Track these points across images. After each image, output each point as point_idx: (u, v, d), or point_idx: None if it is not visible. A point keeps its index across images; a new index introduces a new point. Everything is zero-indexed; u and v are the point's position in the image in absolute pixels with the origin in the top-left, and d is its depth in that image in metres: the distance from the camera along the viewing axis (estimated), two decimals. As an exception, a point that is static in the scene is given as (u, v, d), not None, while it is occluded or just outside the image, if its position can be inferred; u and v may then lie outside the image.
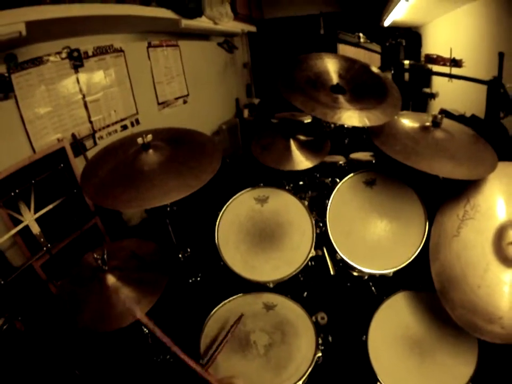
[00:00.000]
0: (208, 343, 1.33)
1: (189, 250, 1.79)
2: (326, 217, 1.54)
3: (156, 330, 0.91)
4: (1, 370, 1.60)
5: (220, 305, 1.46)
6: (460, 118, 2.65)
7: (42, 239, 1.94)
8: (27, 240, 1.98)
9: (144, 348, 1.57)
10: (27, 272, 1.93)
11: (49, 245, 1.97)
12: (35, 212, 1.89)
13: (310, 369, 1.25)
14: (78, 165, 2.37)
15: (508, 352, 1.28)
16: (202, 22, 3.15)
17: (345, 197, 1.59)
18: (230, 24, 3.53)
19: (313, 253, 1.52)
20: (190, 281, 1.82)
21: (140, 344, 1.56)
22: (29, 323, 1.80)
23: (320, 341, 1.33)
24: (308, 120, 2.43)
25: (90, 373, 1.67)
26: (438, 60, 2.99)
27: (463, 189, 1.36)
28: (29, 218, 1.87)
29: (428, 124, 1.45)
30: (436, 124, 1.43)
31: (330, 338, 1.53)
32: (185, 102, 3.63)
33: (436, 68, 3.15)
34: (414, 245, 1.45)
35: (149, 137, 1.30)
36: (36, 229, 1.91)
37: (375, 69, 1.63)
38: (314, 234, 1.56)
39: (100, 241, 2.44)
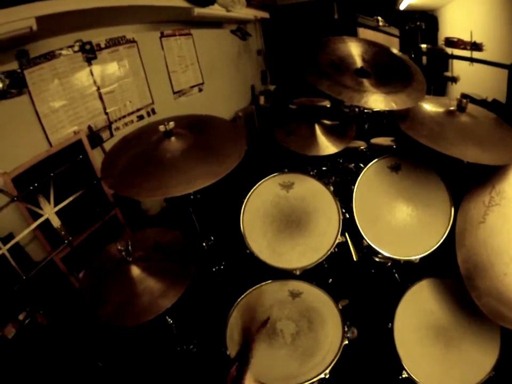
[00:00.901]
0: (234, 333, 1.32)
1: (212, 238, 1.78)
2: (352, 202, 1.52)
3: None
4: (24, 363, 1.62)
5: (246, 293, 1.45)
6: (482, 103, 2.59)
7: (63, 232, 1.95)
8: (47, 233, 1.99)
9: (168, 337, 1.57)
10: (48, 265, 1.94)
11: (70, 238, 1.98)
12: (55, 205, 1.90)
13: (337, 358, 1.24)
14: (96, 156, 2.38)
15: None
16: (214, 10, 3.12)
17: (370, 182, 1.56)
18: (242, 11, 3.48)
19: (340, 238, 1.50)
20: (214, 269, 1.81)
21: (163, 334, 1.56)
22: (51, 316, 1.82)
23: (346, 329, 1.31)
24: (326, 105, 2.39)
25: (113, 364, 1.69)
26: (459, 44, 2.92)
27: (488, 175, 1.33)
28: (49, 211, 1.88)
29: (452, 108, 1.41)
30: (461, 108, 1.39)
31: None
32: (200, 90, 3.62)
33: (456, 52, 3.07)
34: (439, 232, 1.43)
35: (171, 124, 1.28)
36: (56, 222, 1.92)
37: (398, 52, 1.59)
38: (341, 220, 1.54)
39: (120, 231, 2.46)
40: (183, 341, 1.61)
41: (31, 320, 1.75)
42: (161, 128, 1.27)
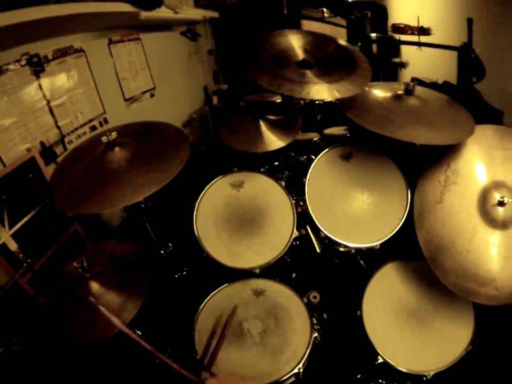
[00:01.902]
0: (202, 337, 1.29)
1: (170, 245, 1.75)
2: (305, 195, 1.51)
3: (138, 339, 0.87)
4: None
5: (209, 297, 1.43)
6: (432, 85, 2.66)
7: (21, 255, 1.87)
8: (8, 257, 1.91)
9: (139, 350, 1.54)
10: (14, 290, 1.87)
11: (29, 260, 1.90)
12: (10, 228, 1.81)
13: (307, 351, 1.23)
14: (50, 172, 2.29)
15: (504, 312, 1.28)
16: (162, 12, 3.07)
17: (322, 173, 1.57)
18: (190, 12, 3.44)
19: (296, 233, 1.50)
20: (176, 276, 1.78)
21: (134, 346, 1.53)
22: (25, 342, 1.75)
23: (314, 321, 1.31)
24: (278, 100, 2.39)
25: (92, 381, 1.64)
26: (406, 29, 2.98)
27: (442, 155, 1.35)
28: (4, 235, 1.79)
29: (400, 92, 1.43)
30: (408, 91, 1.42)
31: (325, 316, 1.53)
32: (152, 95, 3.54)
33: (404, 38, 3.14)
34: (398, 215, 1.45)
35: (113, 134, 1.25)
36: (13, 245, 1.84)
37: (341, 42, 1.60)
38: (295, 214, 1.53)
39: (83, 247, 2.38)
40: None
41: (5, 349, 1.68)
42: (104, 139, 1.23)
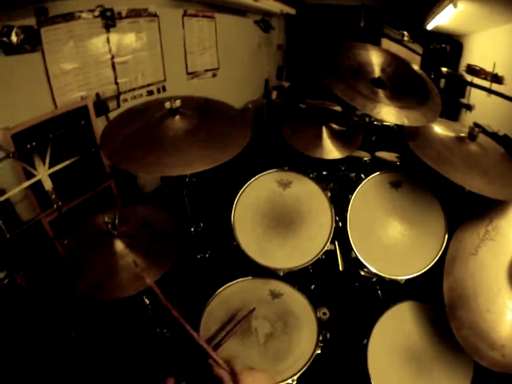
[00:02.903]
0: (209, 323, 1.30)
1: (201, 225, 1.75)
2: (347, 212, 1.49)
3: (165, 300, 0.87)
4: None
5: (226, 285, 1.43)
6: (492, 135, 2.57)
7: (53, 196, 1.92)
8: (39, 195, 1.96)
9: (143, 319, 1.56)
10: (35, 227, 1.92)
11: (60, 203, 1.95)
12: (50, 167, 1.87)
13: (307, 366, 1.22)
14: (99, 124, 2.35)
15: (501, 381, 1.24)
16: (242, -4, 3.07)
17: (368, 195, 1.54)
18: (269, 3, 3.44)
19: (329, 246, 1.48)
20: (199, 256, 1.78)
21: (138, 314, 1.54)
22: (31, 279, 1.80)
23: (320, 338, 1.30)
24: (337, 110, 2.36)
25: (85, 336, 1.67)
26: (480, 72, 2.89)
27: (487, 208, 1.31)
28: (43, 172, 1.84)
29: (463, 135, 1.39)
30: (472, 136, 1.37)
31: (328, 336, 1.51)
32: (214, 75, 3.59)
33: (475, 80, 3.04)
34: (430, 256, 1.41)
35: (178, 102, 1.24)
36: (48, 184, 1.89)
37: (419, 70, 1.56)
38: (333, 227, 1.51)
39: (112, 203, 2.43)
40: (157, 323, 1.59)
41: (10, 280, 1.73)
42: (167, 105, 1.24)
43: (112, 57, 2.47)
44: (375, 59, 1.47)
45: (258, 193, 1.59)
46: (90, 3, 2.23)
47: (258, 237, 1.50)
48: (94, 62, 2.35)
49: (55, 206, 1.93)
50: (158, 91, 2.89)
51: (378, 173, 1.57)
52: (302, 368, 1.21)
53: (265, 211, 1.56)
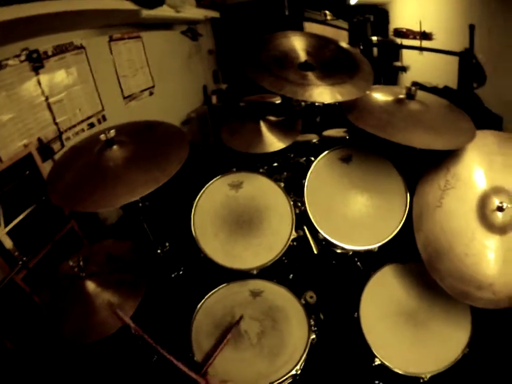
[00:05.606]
0: (199, 337, 1.30)
1: (167, 244, 1.73)
2: (304, 197, 1.51)
3: (144, 335, 0.86)
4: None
5: (206, 297, 1.43)
6: (433, 90, 2.67)
7: (16, 253, 1.86)
8: (4, 254, 1.89)
9: (137, 349, 1.53)
10: (10, 287, 1.85)
11: (24, 258, 1.88)
12: (5, 225, 1.81)
13: (305, 353, 1.24)
14: (47, 169, 2.27)
15: (501, 315, 1.29)
16: (163, 11, 3.05)
17: (322, 175, 1.56)
18: (192, 11, 3.44)
19: (294, 235, 1.50)
20: (173, 275, 1.76)
21: (131, 346, 1.52)
22: (18, 340, 1.73)
23: (312, 323, 1.31)
24: (277, 101, 2.38)
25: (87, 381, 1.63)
26: (408, 34, 2.99)
27: (442, 159, 1.35)
28: (0, 233, 1.78)
29: (401, 96, 1.42)
30: (410, 95, 1.41)
31: (322, 317, 1.53)
32: (151, 93, 3.54)
33: (405, 42, 3.15)
34: (396, 219, 1.45)
35: (112, 133, 1.23)
36: (8, 243, 1.83)
37: (344, 44, 1.60)
38: (294, 216, 1.53)
39: (79, 244, 2.36)
40: (151, 351, 1.57)
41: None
42: (102, 137, 1.22)
43: (47, 98, 2.40)
44: (297, 44, 1.49)
45: (212, 201, 1.59)
46: (14, 49, 2.15)
47: (223, 243, 1.50)
48: (29, 107, 2.27)
49: (20, 263, 1.86)
50: (99, 122, 2.82)
51: (326, 152, 1.59)
52: (301, 357, 1.23)
53: (224, 216, 1.55)
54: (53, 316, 1.23)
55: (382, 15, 3.89)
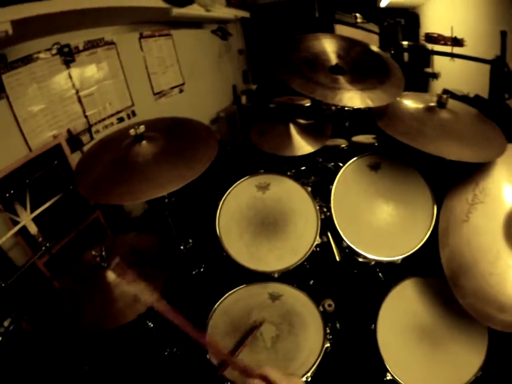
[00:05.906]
0: (215, 336, 1.29)
1: (190, 241, 1.75)
2: (330, 202, 1.49)
3: (172, 315, 0.86)
4: (11, 370, 1.58)
5: (225, 296, 1.42)
6: (464, 99, 2.59)
7: (40, 239, 1.92)
8: (28, 240, 1.95)
9: (150, 342, 1.55)
10: (31, 271, 1.91)
11: (47, 244, 1.94)
12: (31, 212, 1.86)
13: (318, 361, 1.22)
14: (75, 160, 2.33)
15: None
16: (193, 10, 3.08)
17: (349, 182, 1.54)
18: (222, 11, 3.46)
19: (318, 240, 1.48)
20: (194, 272, 1.77)
21: (145, 338, 1.55)
22: (35, 322, 1.79)
23: (328, 331, 1.29)
24: (307, 103, 2.36)
25: (99, 368, 1.66)
26: (439, 39, 2.91)
27: (471, 172, 1.31)
28: (26, 218, 1.84)
29: (432, 104, 1.39)
30: (441, 104, 1.37)
31: (338, 326, 1.50)
32: (181, 91, 3.58)
33: (436, 48, 3.07)
34: (422, 231, 1.41)
35: (141, 128, 1.25)
36: (33, 228, 1.89)
37: (375, 48, 1.57)
38: (319, 221, 1.51)
39: (103, 235, 2.42)
40: (165, 345, 1.59)
41: (15, 326, 1.72)
42: (132, 132, 1.24)
43: (77, 92, 2.46)
44: (328, 47, 1.48)
45: (239, 201, 1.59)
46: (46, 42, 2.22)
47: (247, 244, 1.50)
48: (59, 99, 2.34)
49: (43, 248, 1.92)
50: (128, 117, 2.88)
51: (355, 158, 1.57)
52: (313, 365, 1.21)
53: (249, 217, 1.55)
54: (72, 302, 1.26)
55: (413, 19, 3.80)
